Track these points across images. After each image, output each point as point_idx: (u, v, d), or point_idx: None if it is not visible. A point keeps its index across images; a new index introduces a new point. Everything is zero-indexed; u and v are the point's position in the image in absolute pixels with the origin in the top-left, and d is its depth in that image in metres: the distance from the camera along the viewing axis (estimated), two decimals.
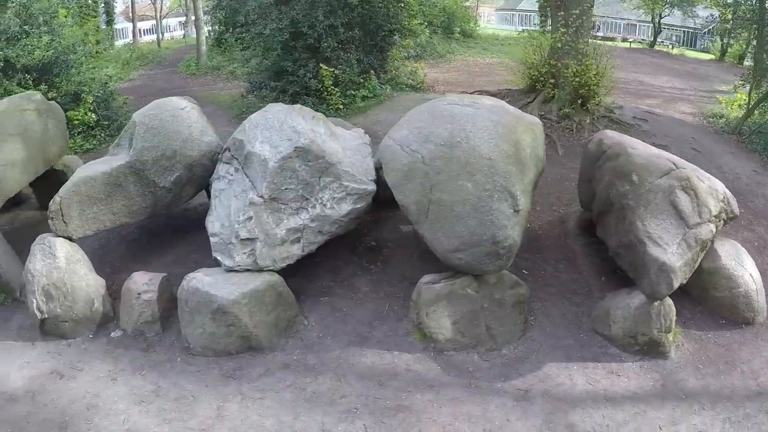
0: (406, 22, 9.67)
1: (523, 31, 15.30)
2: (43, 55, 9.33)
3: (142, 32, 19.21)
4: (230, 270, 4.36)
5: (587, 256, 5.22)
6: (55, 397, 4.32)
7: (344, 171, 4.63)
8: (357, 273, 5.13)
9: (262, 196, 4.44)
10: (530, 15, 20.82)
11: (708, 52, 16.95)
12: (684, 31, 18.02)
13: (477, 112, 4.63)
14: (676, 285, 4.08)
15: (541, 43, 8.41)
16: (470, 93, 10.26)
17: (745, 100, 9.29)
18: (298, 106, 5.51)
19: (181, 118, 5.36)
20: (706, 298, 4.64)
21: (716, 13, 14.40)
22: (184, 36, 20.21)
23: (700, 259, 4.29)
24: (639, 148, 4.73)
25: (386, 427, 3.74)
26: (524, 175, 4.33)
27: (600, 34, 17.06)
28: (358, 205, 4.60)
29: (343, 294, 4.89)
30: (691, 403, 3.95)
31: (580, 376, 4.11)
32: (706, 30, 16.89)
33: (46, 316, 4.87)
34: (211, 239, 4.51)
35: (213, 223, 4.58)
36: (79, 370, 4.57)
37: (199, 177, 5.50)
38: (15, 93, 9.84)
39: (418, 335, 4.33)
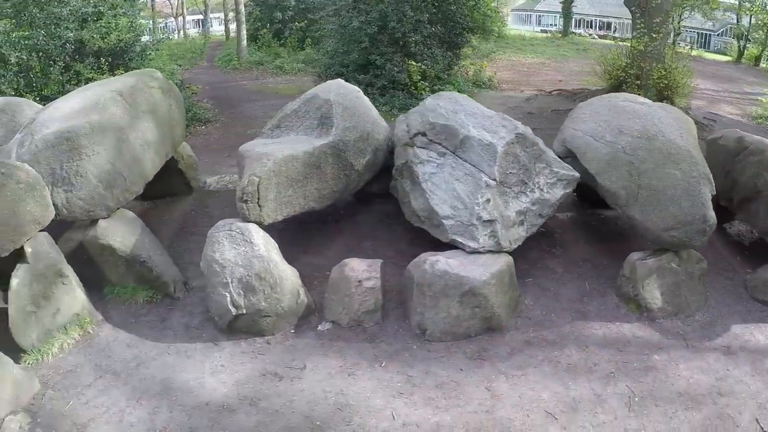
0: (480, 21, 10.20)
1: (546, 32, 16.38)
2: (120, 39, 8.55)
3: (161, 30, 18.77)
4: (474, 252, 4.50)
5: (719, 238, 6.24)
6: (285, 402, 4.05)
7: (552, 158, 5.02)
8: (544, 256, 5.49)
9: (494, 180, 4.65)
10: (549, 15, 22.32)
11: (724, 53, 18.16)
12: (698, 33, 19.38)
13: (652, 109, 5.35)
14: None
15: (626, 46, 9.43)
16: (549, 92, 11.10)
17: None
18: (461, 95, 5.76)
19: (364, 100, 5.31)
20: None
21: (732, 15, 15.58)
22: (202, 33, 20.07)
23: None
24: None
25: (645, 385, 4.20)
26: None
27: (617, 35, 18.93)
28: (567, 190, 5.01)
29: (542, 275, 5.21)
30: None
31: (760, 334, 5.01)
32: (720, 32, 18.46)
33: (244, 311, 4.50)
34: (445, 222, 4.57)
35: (440, 206, 4.63)
36: (300, 369, 4.32)
37: (379, 162, 5.48)
38: (88, 77, 9.12)
39: (632, 306, 4.88)
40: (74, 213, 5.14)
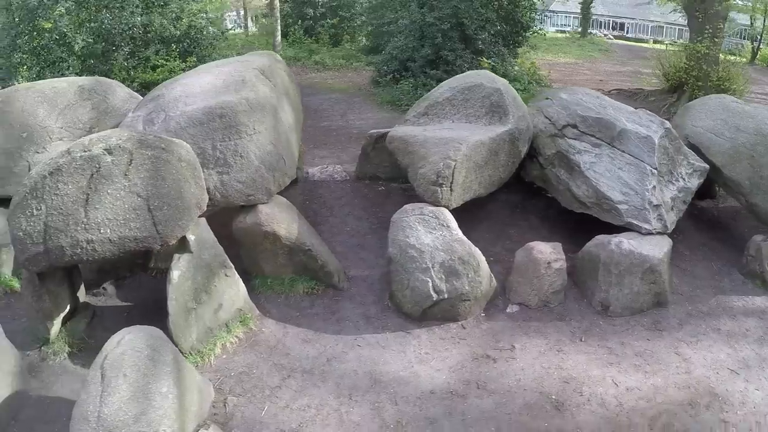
0: (535, 19, 10.83)
1: (563, 32, 17.07)
2: (192, 25, 8.02)
3: None
4: (648, 233, 4.97)
5: None
6: (513, 381, 4.27)
7: (688, 151, 5.71)
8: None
9: (656, 169, 5.20)
10: (561, 15, 22.89)
11: (732, 53, 18.47)
12: (688, 30, 20.95)
13: (758, 110, 6.26)
14: None
15: (683, 49, 10.24)
16: (608, 91, 11.82)
17: None
18: (582, 89, 6.28)
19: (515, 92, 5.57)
20: None
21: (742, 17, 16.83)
22: (233, 29, 19.30)
23: None
24: None
25: None
26: None
27: (631, 35, 20.11)
28: (700, 180, 5.70)
29: (676, 257, 5.68)
30: None
31: None
32: (730, 33, 19.58)
33: (445, 296, 4.60)
34: (620, 207, 5.02)
35: (611, 192, 5.08)
36: (510, 350, 4.54)
37: (524, 152, 5.77)
38: (155, 63, 8.87)
39: (758, 282, 5.65)
40: (229, 197, 4.85)
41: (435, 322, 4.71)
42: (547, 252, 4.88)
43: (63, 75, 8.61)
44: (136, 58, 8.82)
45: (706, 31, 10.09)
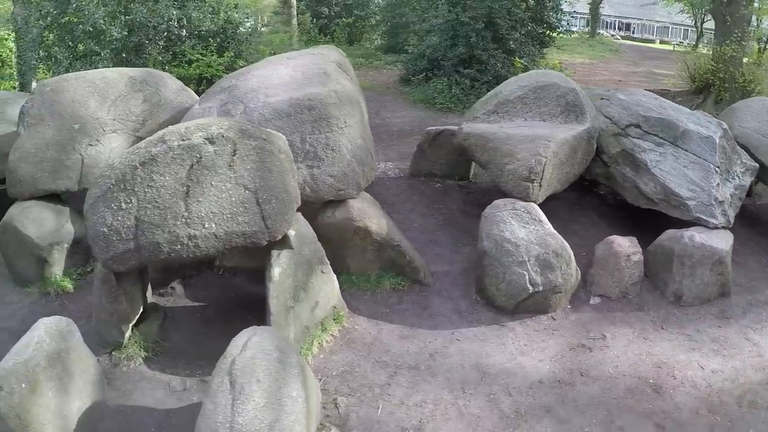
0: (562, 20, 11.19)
1: (569, 32, 17.31)
2: (230, 20, 7.87)
3: None
4: (714, 227, 5.34)
5: None
6: (611, 368, 4.55)
7: (741, 150, 6.18)
8: None
9: (718, 167, 5.59)
10: (570, 16, 23.23)
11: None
12: (713, 33, 21.52)
13: None
14: None
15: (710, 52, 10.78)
16: (609, 90, 12.13)
17: None
18: (639, 90, 6.65)
19: None
20: None
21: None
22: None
23: None
24: None
25: None
26: None
27: (637, 36, 20.60)
28: (752, 178, 6.18)
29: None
30: None
31: None
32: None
33: (540, 288, 4.81)
34: (689, 202, 5.37)
35: (679, 189, 5.43)
36: (602, 339, 4.83)
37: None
38: (192, 58, 8.70)
39: None
40: (319, 192, 4.87)
41: (526, 315, 4.93)
42: (626, 246, 5.18)
43: (95, 68, 8.35)
44: (171, 52, 8.62)
45: (735, 35, 10.55)
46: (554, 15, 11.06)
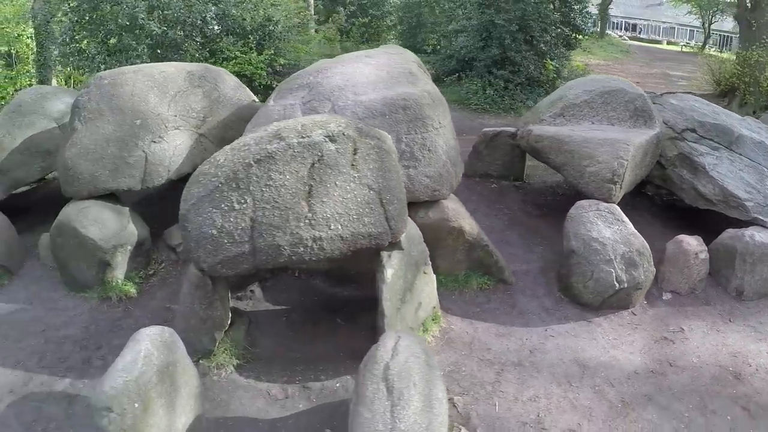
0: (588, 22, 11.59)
1: (595, 35, 17.32)
2: (269, 17, 7.83)
3: None
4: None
5: None
6: (695, 358, 4.94)
7: None
8: None
9: None
10: None
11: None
12: (720, 35, 21.70)
13: None
14: None
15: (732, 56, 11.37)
16: (660, 95, 12.59)
17: None
18: (692, 96, 7.09)
19: None
20: None
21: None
22: None
23: None
24: None
25: None
26: None
27: (644, 36, 20.85)
28: None
29: None
30: None
31: None
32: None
33: (625, 285, 5.13)
34: (747, 204, 5.85)
35: (737, 191, 5.90)
36: (680, 332, 5.23)
37: None
38: (229, 55, 8.82)
39: None
40: (415, 192, 5.02)
41: (609, 311, 5.27)
42: (694, 244, 5.60)
43: (132, 63, 8.21)
44: (207, 49, 8.53)
45: (763, 40, 11.12)
46: (581, 17, 11.52)
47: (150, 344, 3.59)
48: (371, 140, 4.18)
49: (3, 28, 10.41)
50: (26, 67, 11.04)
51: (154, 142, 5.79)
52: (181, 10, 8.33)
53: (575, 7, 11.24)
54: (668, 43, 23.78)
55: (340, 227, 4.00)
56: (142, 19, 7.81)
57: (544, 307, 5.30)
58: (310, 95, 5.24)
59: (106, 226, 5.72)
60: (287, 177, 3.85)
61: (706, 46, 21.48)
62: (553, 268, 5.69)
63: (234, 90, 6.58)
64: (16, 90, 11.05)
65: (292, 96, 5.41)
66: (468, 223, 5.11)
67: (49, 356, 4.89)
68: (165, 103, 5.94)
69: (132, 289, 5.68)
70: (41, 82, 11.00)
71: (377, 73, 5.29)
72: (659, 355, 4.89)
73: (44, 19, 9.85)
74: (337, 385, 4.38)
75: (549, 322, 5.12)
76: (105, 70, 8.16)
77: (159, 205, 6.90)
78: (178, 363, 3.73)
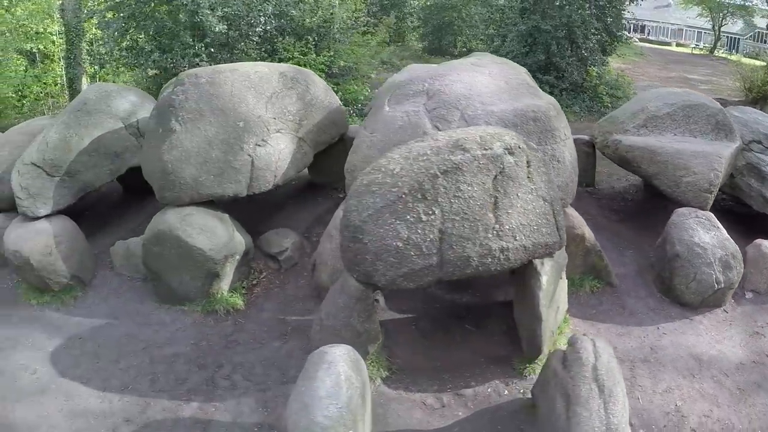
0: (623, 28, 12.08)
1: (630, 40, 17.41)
2: (327, 18, 7.97)
3: None
4: None
5: None
6: None
7: None
8: None
9: None
10: None
11: (754, 57, 19.88)
12: (728, 37, 22.12)
13: None
14: None
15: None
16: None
17: None
18: (750, 108, 7.81)
19: None
20: None
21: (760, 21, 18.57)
22: None
23: None
24: None
25: None
26: None
27: (653, 38, 20.83)
28: None
29: None
30: None
31: None
32: (748, 36, 20.98)
33: (722, 285, 5.78)
34: None
35: None
36: (766, 327, 5.83)
37: None
38: (288, 57, 8.95)
39: None
40: None
41: (705, 309, 5.93)
42: None
43: (190, 62, 8.20)
44: (263, 49, 8.61)
45: None
46: (616, 24, 12.16)
47: (347, 366, 3.68)
48: (537, 153, 4.46)
49: (25, 25, 10.07)
50: (52, 65, 10.73)
51: (259, 145, 5.77)
52: (240, 9, 8.36)
53: (610, 12, 11.90)
54: (678, 45, 24.24)
55: (524, 238, 4.22)
56: (203, 16, 7.81)
57: (649, 307, 5.89)
58: (434, 103, 5.38)
59: (215, 234, 5.68)
60: (475, 188, 4.01)
61: (716, 49, 22.13)
62: (648, 271, 6.30)
63: (324, 92, 6.67)
64: (41, 89, 10.72)
65: (410, 102, 5.52)
66: (588, 231, 5.61)
67: (161, 378, 4.76)
68: (262, 105, 5.89)
69: (239, 301, 5.64)
70: (70, 80, 10.73)
71: (496, 83, 5.60)
72: (756, 348, 5.57)
73: (75, 15, 9.61)
74: (489, 390, 4.72)
75: (658, 321, 5.72)
76: (156, 67, 8.04)
77: (247, 211, 7.00)
78: (365, 383, 3.87)
